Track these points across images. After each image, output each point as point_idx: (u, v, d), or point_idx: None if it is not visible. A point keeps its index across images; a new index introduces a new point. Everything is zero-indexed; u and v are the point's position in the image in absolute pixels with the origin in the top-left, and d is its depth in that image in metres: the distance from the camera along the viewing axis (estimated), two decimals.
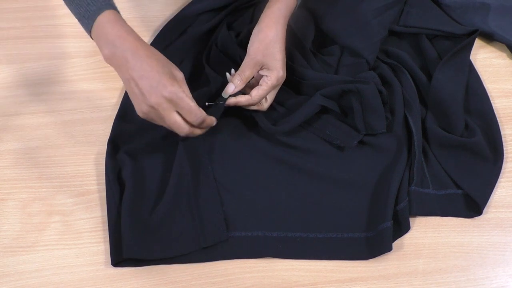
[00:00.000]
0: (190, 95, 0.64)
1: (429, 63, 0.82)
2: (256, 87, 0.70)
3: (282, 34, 0.72)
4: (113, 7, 0.66)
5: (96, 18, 0.64)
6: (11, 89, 0.83)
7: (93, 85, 0.83)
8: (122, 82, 0.82)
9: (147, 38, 0.89)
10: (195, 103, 0.63)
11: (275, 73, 0.70)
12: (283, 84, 0.74)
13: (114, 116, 0.79)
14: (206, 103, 0.70)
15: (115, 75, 0.83)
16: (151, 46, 0.65)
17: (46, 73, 0.84)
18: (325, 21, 0.83)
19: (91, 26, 0.65)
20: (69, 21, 0.91)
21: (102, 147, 0.76)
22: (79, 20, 0.67)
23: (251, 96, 0.70)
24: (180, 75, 0.65)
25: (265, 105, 0.73)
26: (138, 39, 0.64)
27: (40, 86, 0.83)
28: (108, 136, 0.76)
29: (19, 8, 0.93)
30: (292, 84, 0.77)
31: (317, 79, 0.76)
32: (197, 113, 0.63)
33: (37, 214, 0.70)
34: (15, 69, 0.85)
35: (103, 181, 0.73)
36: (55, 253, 0.67)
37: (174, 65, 0.66)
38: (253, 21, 0.84)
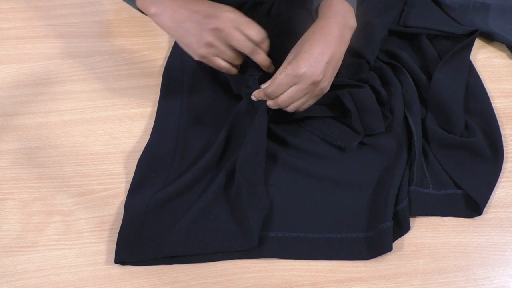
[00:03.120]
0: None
1: (429, 63, 0.82)
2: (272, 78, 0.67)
3: (332, 35, 0.66)
4: None
5: None
6: (11, 89, 0.83)
7: (93, 85, 0.83)
8: (121, 82, 0.83)
9: (149, 37, 0.89)
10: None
11: (293, 63, 0.64)
12: None
13: (114, 116, 0.79)
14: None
15: (115, 75, 0.84)
16: None
17: (46, 73, 0.85)
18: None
19: None
20: (69, 21, 0.91)
21: (102, 147, 0.76)
22: None
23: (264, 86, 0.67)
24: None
25: (279, 99, 0.67)
26: None
27: (40, 86, 0.83)
28: (107, 136, 0.77)
29: (19, 8, 0.93)
30: None
31: None
32: (259, 29, 0.66)
33: (37, 214, 0.70)
34: (15, 69, 0.85)
35: (103, 181, 0.73)
36: (55, 253, 0.67)
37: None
38: (270, 14, 0.85)
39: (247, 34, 0.65)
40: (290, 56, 0.67)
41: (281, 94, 0.66)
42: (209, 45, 0.66)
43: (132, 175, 0.72)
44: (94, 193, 0.72)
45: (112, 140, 0.77)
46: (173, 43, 0.87)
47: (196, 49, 0.66)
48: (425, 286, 0.64)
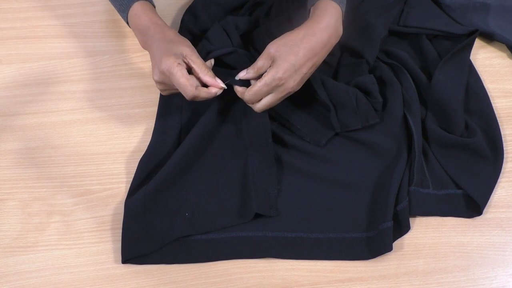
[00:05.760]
0: (200, 64, 0.67)
1: (429, 63, 0.82)
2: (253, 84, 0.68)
3: (319, 43, 0.66)
4: None
5: (128, 11, 0.74)
6: (11, 89, 0.83)
7: (93, 85, 0.83)
8: (121, 82, 0.83)
9: None
10: (187, 79, 0.65)
11: (273, 71, 0.65)
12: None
13: (114, 116, 0.79)
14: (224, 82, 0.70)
15: (115, 75, 0.84)
16: (169, 30, 0.72)
17: (46, 73, 0.84)
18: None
19: (127, 18, 0.75)
20: (69, 21, 0.91)
21: (102, 147, 0.76)
22: (121, 16, 0.77)
23: (243, 90, 0.68)
24: (186, 50, 0.67)
25: (256, 106, 0.69)
26: (159, 25, 0.72)
27: (40, 86, 0.83)
28: (107, 136, 0.77)
29: (19, 8, 0.93)
30: None
31: None
32: (187, 89, 0.65)
33: (37, 214, 0.70)
34: (15, 69, 0.85)
35: (103, 181, 0.73)
36: (55, 253, 0.67)
37: (184, 43, 0.69)
38: (269, 14, 0.85)
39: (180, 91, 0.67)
40: (271, 48, 0.66)
41: (257, 101, 0.68)
42: (160, 82, 0.69)
43: (133, 176, 0.72)
44: (94, 193, 0.72)
45: (112, 140, 0.77)
46: None
47: (154, 76, 0.69)
48: (425, 286, 0.64)
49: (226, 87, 0.68)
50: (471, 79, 0.80)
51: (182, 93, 0.67)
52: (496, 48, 0.87)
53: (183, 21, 0.88)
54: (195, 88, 0.66)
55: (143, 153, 0.74)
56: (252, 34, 0.81)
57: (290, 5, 0.85)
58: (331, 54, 0.81)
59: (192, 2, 0.90)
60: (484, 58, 0.85)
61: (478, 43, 0.87)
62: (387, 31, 0.84)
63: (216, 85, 0.67)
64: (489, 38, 0.86)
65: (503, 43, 0.85)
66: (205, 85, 0.68)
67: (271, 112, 0.76)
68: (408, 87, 0.78)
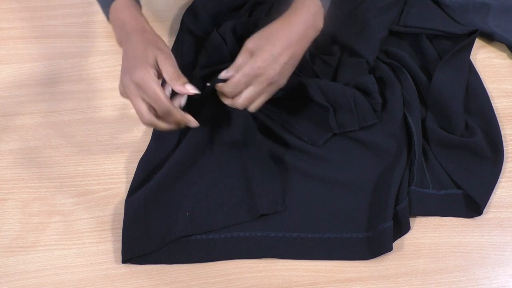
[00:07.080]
0: (170, 73, 0.63)
1: (429, 63, 0.82)
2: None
3: (296, 34, 0.65)
4: None
5: (110, 5, 0.69)
6: (11, 89, 0.83)
7: (93, 85, 0.83)
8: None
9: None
10: (163, 93, 0.61)
11: (251, 62, 0.63)
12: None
13: (114, 116, 0.79)
14: (207, 84, 0.67)
15: (115, 75, 0.84)
16: (150, 30, 0.67)
17: (46, 73, 0.84)
18: (325, 22, 0.83)
19: (108, 13, 0.70)
20: (69, 21, 0.91)
21: (102, 147, 0.76)
22: (102, 11, 0.71)
23: (223, 84, 0.66)
24: (160, 56, 0.63)
25: (238, 101, 0.65)
26: (139, 23, 0.67)
27: (40, 86, 0.83)
28: (107, 136, 0.77)
29: (19, 8, 0.93)
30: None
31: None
32: (162, 102, 0.61)
33: (37, 214, 0.70)
34: (15, 69, 0.85)
35: (103, 181, 0.73)
36: (55, 253, 0.67)
37: (163, 48, 0.65)
38: (269, 14, 0.85)
39: (150, 103, 0.62)
40: (249, 44, 0.65)
41: (238, 94, 0.65)
42: (121, 92, 0.65)
43: (132, 176, 0.72)
44: (94, 193, 0.72)
45: (112, 140, 0.77)
46: (172, 44, 0.87)
47: (119, 86, 0.65)
48: (425, 286, 0.64)
49: (199, 92, 0.64)
50: (471, 79, 0.80)
51: (153, 105, 0.62)
52: (496, 48, 0.87)
53: (183, 21, 0.88)
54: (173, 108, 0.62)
55: (143, 153, 0.74)
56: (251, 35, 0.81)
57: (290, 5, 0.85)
58: (331, 54, 0.81)
59: (192, 2, 0.90)
60: (484, 58, 0.85)
61: (478, 43, 0.87)
62: (387, 31, 0.84)
63: (186, 92, 0.63)
64: (489, 38, 0.86)
65: (503, 43, 0.85)
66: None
67: (270, 112, 0.76)
68: (408, 87, 0.78)
